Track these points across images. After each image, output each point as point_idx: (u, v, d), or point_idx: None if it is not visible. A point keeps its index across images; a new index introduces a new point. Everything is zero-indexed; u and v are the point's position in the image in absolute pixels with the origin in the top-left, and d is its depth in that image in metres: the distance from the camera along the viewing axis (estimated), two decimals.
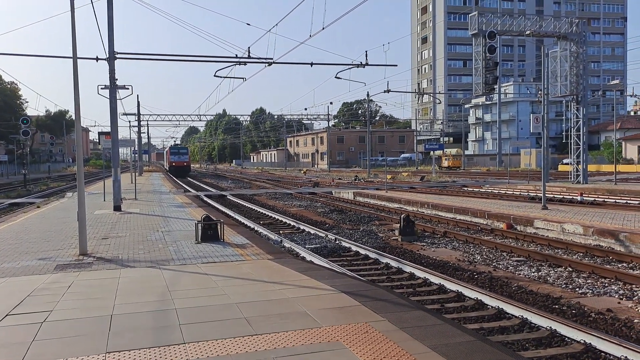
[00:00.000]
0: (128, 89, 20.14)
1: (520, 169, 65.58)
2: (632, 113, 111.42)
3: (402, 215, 15.59)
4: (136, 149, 48.04)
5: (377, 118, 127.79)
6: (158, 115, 68.79)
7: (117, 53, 19.24)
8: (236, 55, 21.63)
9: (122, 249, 11.01)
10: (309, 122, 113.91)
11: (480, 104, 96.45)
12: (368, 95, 60.71)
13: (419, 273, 10.32)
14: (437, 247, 14.02)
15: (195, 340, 5.30)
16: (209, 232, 11.94)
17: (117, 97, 20.13)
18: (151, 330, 5.66)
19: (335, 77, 30.58)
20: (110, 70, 19.18)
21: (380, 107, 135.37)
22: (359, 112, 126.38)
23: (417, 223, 16.43)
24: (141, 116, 59.97)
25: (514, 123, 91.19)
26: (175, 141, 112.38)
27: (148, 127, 73.96)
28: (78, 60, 10.67)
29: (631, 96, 75.35)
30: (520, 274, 10.72)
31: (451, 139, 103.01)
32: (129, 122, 64.28)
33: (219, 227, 12.14)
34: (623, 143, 69.31)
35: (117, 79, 19.46)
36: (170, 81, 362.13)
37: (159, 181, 45.48)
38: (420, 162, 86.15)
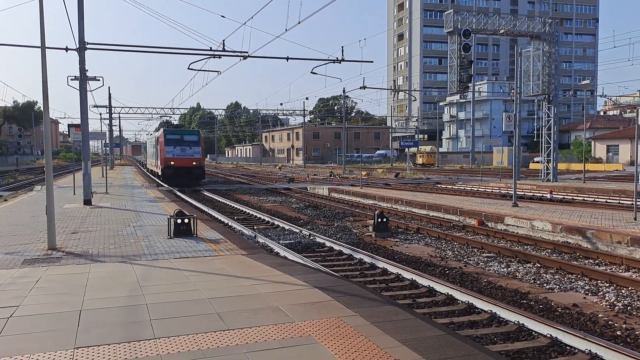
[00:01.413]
0: (99, 80, 19.83)
1: (492, 166, 66.53)
2: (601, 113, 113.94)
3: (376, 212, 15.69)
4: (107, 141, 47.31)
5: (353, 114, 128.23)
6: (130, 107, 66.60)
7: (88, 43, 18.89)
8: (211, 48, 21.45)
9: (92, 244, 10.84)
10: (285, 117, 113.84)
11: (455, 102, 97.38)
12: (344, 91, 60.86)
13: (392, 269, 10.41)
14: (410, 243, 14.15)
15: (166, 336, 5.26)
16: (182, 227, 11.84)
17: (88, 89, 19.78)
18: (121, 326, 5.60)
19: (311, 73, 30.53)
20: (80, 60, 18.83)
21: (356, 103, 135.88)
22: (335, 108, 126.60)
23: (391, 219, 16.55)
24: (113, 108, 58.86)
25: (487, 121, 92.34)
26: (168, 126, 65.30)
27: (120, 119, 72.71)
28: (47, 50, 10.45)
29: (601, 96, 77.06)
30: (490, 270, 10.89)
31: (426, 136, 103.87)
32: (100, 114, 61.62)
33: (192, 222, 12.04)
34: (592, 142, 70.83)
35: (87, 70, 19.13)
36: (143, 74, 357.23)
37: (131, 175, 44.86)
38: (395, 159, 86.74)
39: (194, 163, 33.39)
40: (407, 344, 5.03)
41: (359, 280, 9.68)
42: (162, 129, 37.64)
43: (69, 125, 22.24)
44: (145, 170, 55.47)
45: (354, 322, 5.67)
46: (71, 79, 19.35)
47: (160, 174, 35.53)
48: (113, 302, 6.53)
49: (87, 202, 18.80)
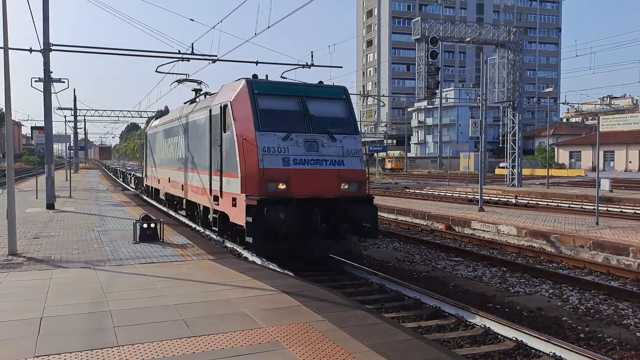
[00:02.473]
0: (64, 82, 19.40)
1: (459, 171, 67.47)
2: (564, 120, 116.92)
3: None
4: (72, 144, 46.26)
5: None
6: (96, 110, 64.95)
7: (53, 45, 18.47)
8: (179, 51, 21.19)
9: (54, 249, 10.56)
10: None
11: (423, 107, 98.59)
12: None
13: (361, 273, 10.42)
14: (378, 247, 14.21)
15: (131, 343, 5.14)
16: (148, 232, 11.63)
17: (52, 91, 19.38)
18: (84, 333, 5.45)
19: (281, 77, 30.45)
20: (45, 62, 18.38)
21: None
22: None
23: None
24: (78, 111, 57.64)
25: (454, 127, 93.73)
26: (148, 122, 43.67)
27: (85, 122, 71.04)
28: (10, 51, 10.18)
29: (564, 104, 79.09)
30: (457, 274, 11.01)
31: (395, 141, 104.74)
32: (65, 116, 59.21)
33: (158, 226, 11.84)
34: (556, 148, 72.60)
35: (52, 72, 18.71)
36: (111, 77, 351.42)
37: (96, 179, 43.98)
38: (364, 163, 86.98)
39: (349, 187, 11.28)
40: (375, 348, 5.03)
41: (328, 284, 9.66)
42: (242, 79, 11.80)
43: (32, 128, 21.68)
44: (142, 192, 29.36)
45: (322, 327, 5.65)
46: (35, 81, 18.87)
47: (233, 219, 11.61)
48: (75, 309, 6.36)
49: (50, 206, 18.36)
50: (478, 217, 17.32)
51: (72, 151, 40.12)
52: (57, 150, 73.15)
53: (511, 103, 33.81)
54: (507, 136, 35.06)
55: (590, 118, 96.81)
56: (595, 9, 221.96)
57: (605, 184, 25.23)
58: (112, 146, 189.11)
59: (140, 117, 69.51)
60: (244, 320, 5.88)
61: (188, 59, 21.14)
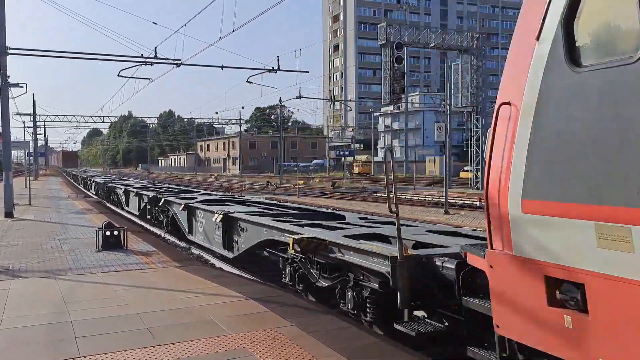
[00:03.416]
0: (22, 87, 18.93)
1: (425, 175, 68.37)
2: None
3: None
4: (31, 151, 45.11)
5: (290, 124, 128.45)
6: (57, 115, 63.71)
7: (10, 48, 18.03)
8: (142, 55, 20.91)
9: (13, 259, 10.24)
10: (220, 126, 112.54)
11: (389, 112, 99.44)
12: (280, 100, 60.99)
13: None
14: None
15: (93, 353, 5.02)
16: (111, 240, 11.39)
17: (10, 96, 18.88)
18: (44, 345, 5.29)
19: (247, 82, 30.37)
20: (1, 66, 17.91)
21: (292, 112, 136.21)
22: (272, 117, 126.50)
23: None
24: (37, 116, 56.36)
25: (420, 131, 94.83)
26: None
27: (45, 128, 69.51)
28: None
29: None
30: None
31: (362, 145, 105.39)
32: (24, 122, 58.12)
33: (122, 234, 11.61)
34: None
35: (9, 76, 18.26)
36: (73, 81, 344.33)
37: (57, 186, 42.96)
38: (331, 168, 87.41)
39: None
40: (342, 352, 5.02)
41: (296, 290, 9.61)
42: None
43: None
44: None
45: (290, 333, 5.61)
46: None
47: None
48: (35, 319, 6.17)
49: (9, 214, 17.88)
50: (444, 220, 17.54)
51: (31, 158, 39.06)
52: (16, 156, 71.05)
53: (475, 108, 34.43)
54: (471, 140, 35.68)
55: None
56: None
57: None
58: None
59: (103, 122, 68.31)
60: (209, 328, 5.79)
61: (151, 63, 20.89)
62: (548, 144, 3.57)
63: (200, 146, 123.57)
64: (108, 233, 11.40)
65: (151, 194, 17.81)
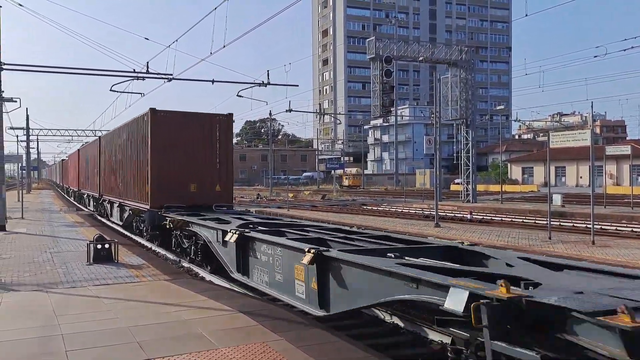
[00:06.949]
0: (16, 101, 18.96)
1: (415, 188, 68.53)
2: (516, 137, 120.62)
3: None
4: (24, 164, 44.89)
5: (280, 137, 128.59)
6: (49, 130, 63.33)
7: (4, 64, 18.09)
8: (134, 69, 20.98)
9: (5, 272, 10.22)
10: None
11: (379, 125, 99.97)
12: (270, 113, 61.10)
13: None
14: None
15: None
16: (102, 253, 11.40)
17: (4, 110, 18.89)
18: (34, 358, 5.32)
19: (237, 96, 30.48)
20: None
21: (282, 125, 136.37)
22: (262, 130, 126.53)
23: None
24: (31, 130, 56.30)
25: (409, 144, 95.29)
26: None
27: (38, 142, 69.11)
28: None
29: (515, 121, 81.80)
30: None
31: (351, 158, 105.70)
32: (17, 136, 57.68)
33: (112, 247, 11.62)
34: (509, 164, 74.73)
35: (3, 91, 18.31)
36: (66, 96, 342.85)
37: (49, 199, 42.72)
38: (321, 180, 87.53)
39: None
40: None
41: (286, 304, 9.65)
42: None
43: None
44: None
45: (279, 347, 5.67)
46: None
47: None
48: (26, 332, 6.19)
49: (1, 227, 17.89)
50: (434, 233, 17.65)
51: (24, 171, 38.83)
52: (9, 170, 70.20)
53: (464, 120, 34.74)
54: (461, 153, 35.94)
55: (541, 134, 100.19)
56: (545, 32, 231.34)
57: (557, 199, 26.09)
58: None
59: (95, 136, 67.88)
60: (199, 342, 5.84)
61: (143, 78, 20.96)
62: None
63: None
64: (99, 246, 11.41)
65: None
